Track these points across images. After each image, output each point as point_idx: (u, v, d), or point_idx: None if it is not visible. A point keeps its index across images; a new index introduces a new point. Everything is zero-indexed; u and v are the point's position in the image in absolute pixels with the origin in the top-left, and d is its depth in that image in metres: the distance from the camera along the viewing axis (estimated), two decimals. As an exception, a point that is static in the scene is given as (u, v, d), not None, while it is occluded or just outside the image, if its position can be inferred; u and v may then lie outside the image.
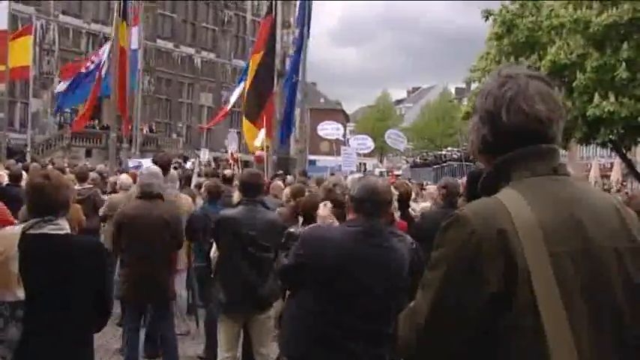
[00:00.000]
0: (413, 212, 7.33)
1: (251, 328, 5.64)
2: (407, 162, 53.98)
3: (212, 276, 5.87)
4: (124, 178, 8.54)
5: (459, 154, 37.96)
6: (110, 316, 3.54)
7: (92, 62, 20.61)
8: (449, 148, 46.92)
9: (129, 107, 16.57)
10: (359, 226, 3.45)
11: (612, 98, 15.30)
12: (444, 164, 36.97)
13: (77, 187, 8.77)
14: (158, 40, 43.73)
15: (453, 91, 78.08)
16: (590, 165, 28.48)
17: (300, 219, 5.16)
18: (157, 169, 6.44)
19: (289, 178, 13.35)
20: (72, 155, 31.48)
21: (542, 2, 17.25)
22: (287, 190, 7.32)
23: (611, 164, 28.15)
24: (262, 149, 17.03)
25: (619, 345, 1.58)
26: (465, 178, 8.61)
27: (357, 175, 7.33)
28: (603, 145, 18.10)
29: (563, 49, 15.91)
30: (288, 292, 4.26)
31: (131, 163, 14.29)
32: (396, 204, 5.34)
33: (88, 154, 35.06)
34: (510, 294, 1.50)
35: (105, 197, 8.95)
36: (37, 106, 35.45)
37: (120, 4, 15.77)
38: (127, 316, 5.98)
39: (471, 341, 1.56)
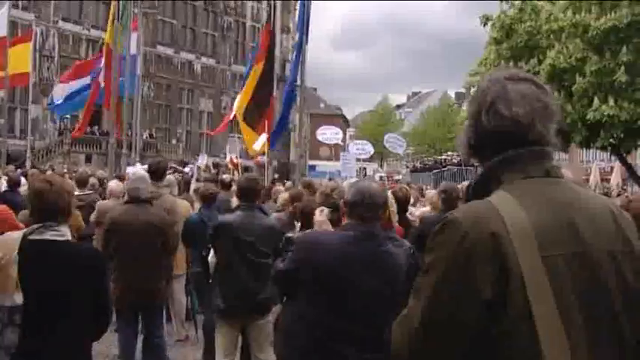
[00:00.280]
0: (411, 217, 7.32)
1: (249, 333, 5.62)
2: (407, 167, 53.99)
3: (210, 282, 5.84)
4: (114, 184, 8.42)
5: (458, 158, 37.95)
6: (109, 325, 3.53)
7: (92, 69, 20.60)
8: (449, 153, 46.90)
9: (120, 112, 16.51)
10: (353, 231, 3.41)
11: (612, 102, 15.29)
12: (444, 169, 36.95)
13: (77, 192, 8.75)
14: (158, 46, 43.78)
15: (452, 95, 78.18)
16: (590, 169, 28.46)
17: (298, 224, 5.15)
18: (144, 173, 6.41)
19: (288, 183, 13.35)
20: (72, 161, 31.50)
21: (542, 6, 17.26)
22: (284, 195, 7.31)
23: (611, 168, 28.12)
24: (263, 153, 17.04)
25: (616, 350, 1.55)
26: (464, 183, 8.61)
27: (352, 180, 7.32)
28: (603, 148, 18.08)
29: (562, 53, 15.91)
30: (285, 298, 4.24)
31: (130, 169, 14.25)
32: (394, 209, 5.31)
33: (88, 159, 35.08)
34: (504, 299, 1.47)
35: (105, 203, 8.91)
36: (36, 113, 35.51)
37: (116, 5, 15.76)
38: (121, 322, 5.92)
39: (464, 348, 1.53)
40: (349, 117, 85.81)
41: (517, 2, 17.99)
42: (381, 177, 38.42)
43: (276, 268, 3.74)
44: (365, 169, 37.19)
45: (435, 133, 67.10)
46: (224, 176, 11.74)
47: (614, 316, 1.56)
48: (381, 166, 66.41)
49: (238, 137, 26.66)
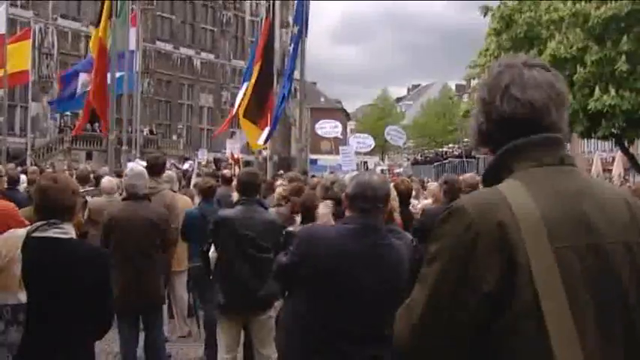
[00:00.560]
0: (413, 210, 7.29)
1: (251, 328, 5.59)
2: (408, 159, 53.99)
3: (211, 277, 5.81)
4: (106, 181, 8.35)
5: (459, 150, 37.97)
6: (112, 324, 3.50)
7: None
8: (450, 145, 46.96)
9: (105, 106, 16.42)
10: (354, 224, 3.35)
11: (613, 91, 15.26)
12: (445, 161, 37.00)
13: (79, 189, 8.71)
14: (157, 42, 43.71)
15: (453, 88, 78.07)
16: (592, 159, 28.39)
17: (298, 219, 5.12)
18: (142, 169, 6.35)
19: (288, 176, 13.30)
20: (72, 158, 31.49)
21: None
22: (280, 190, 7.29)
23: (613, 158, 28.06)
24: (265, 148, 17.04)
25: (630, 346, 1.49)
26: (466, 175, 8.58)
27: (354, 173, 7.29)
28: (604, 138, 18.06)
29: (562, 43, 15.88)
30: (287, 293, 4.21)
31: (129, 165, 14.18)
32: (397, 202, 5.28)
33: (89, 157, 35.06)
34: (509, 293, 1.42)
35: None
36: (36, 110, 35.45)
37: (111, 2, 15.69)
38: (121, 322, 5.82)
39: (467, 341, 1.48)
40: (349, 111, 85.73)
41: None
42: (382, 170, 38.41)
43: (278, 263, 3.70)
44: (366, 162, 37.18)
45: (436, 126, 67.08)
46: (224, 171, 11.71)
47: (628, 312, 1.50)
48: (382, 159, 66.40)
49: (239, 132, 26.65)
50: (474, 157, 33.44)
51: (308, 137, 44.43)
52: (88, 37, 38.87)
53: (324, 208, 4.15)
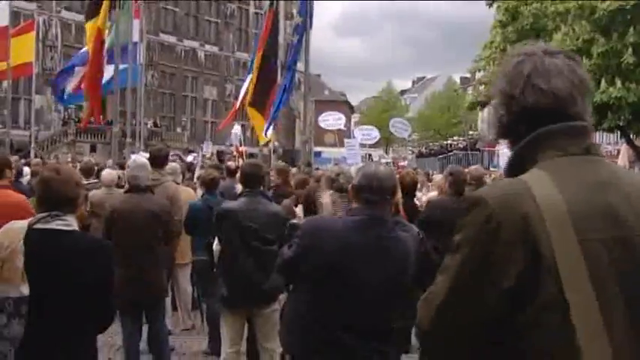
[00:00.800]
0: (418, 202, 7.24)
1: (255, 322, 5.54)
2: (412, 152, 53.88)
3: (215, 270, 5.76)
4: (105, 173, 8.31)
5: (464, 143, 37.87)
6: (114, 317, 3.47)
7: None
8: (454, 138, 46.83)
9: (97, 97, 16.40)
10: (360, 216, 3.28)
11: (619, 84, 15.18)
12: (450, 154, 36.87)
13: (83, 182, 8.69)
14: (161, 35, 43.67)
15: (457, 80, 77.82)
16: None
17: (299, 211, 5.07)
18: (144, 160, 6.29)
19: (293, 170, 13.30)
20: (76, 151, 31.52)
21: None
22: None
23: (618, 151, 27.96)
24: (270, 140, 17.04)
25: None
26: (471, 167, 8.54)
27: (360, 164, 7.24)
28: (610, 130, 17.97)
29: (568, 36, 15.79)
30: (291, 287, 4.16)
31: (132, 157, 14.18)
32: (400, 195, 5.23)
33: (93, 149, 35.09)
34: (533, 285, 1.38)
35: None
36: (40, 103, 35.49)
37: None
38: (124, 315, 5.77)
39: (488, 333, 1.45)
40: (354, 103, 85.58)
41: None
42: (387, 163, 38.34)
43: (282, 256, 3.64)
44: (370, 155, 37.13)
45: (440, 119, 66.93)
46: (229, 163, 11.67)
47: None
48: (387, 152, 66.29)
49: (243, 125, 26.63)
50: (479, 150, 33.36)
51: (312, 130, 44.35)
52: (91, 29, 39.02)
53: (326, 197, 4.08)
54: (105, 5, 16.49)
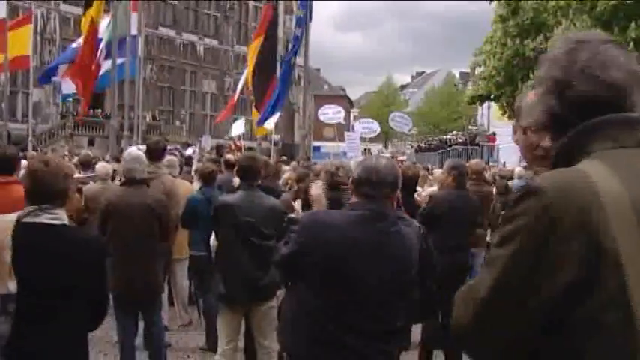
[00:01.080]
0: (418, 197, 7.16)
1: (252, 318, 5.46)
2: (411, 147, 53.86)
3: (212, 265, 5.68)
4: (100, 166, 8.20)
5: (463, 138, 37.82)
6: (106, 313, 3.37)
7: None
8: (454, 133, 46.75)
9: (89, 87, 16.30)
10: (361, 210, 3.17)
11: (620, 79, 15.12)
12: (449, 148, 36.79)
13: (81, 174, 8.63)
14: (160, 28, 43.54)
15: (457, 75, 77.78)
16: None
17: (297, 205, 4.99)
18: (139, 153, 6.20)
19: (292, 164, 13.24)
20: (74, 144, 31.44)
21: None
22: (285, 175, 7.18)
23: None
24: (268, 134, 16.99)
25: None
26: (472, 161, 8.46)
27: (360, 158, 7.16)
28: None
29: (569, 30, 15.70)
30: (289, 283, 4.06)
31: (128, 149, 14.09)
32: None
33: (91, 143, 35.00)
34: (592, 282, 1.29)
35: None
36: (38, 96, 35.38)
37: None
38: (119, 312, 5.69)
39: (536, 331, 1.36)
40: (353, 98, 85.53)
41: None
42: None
43: (279, 252, 3.53)
44: (369, 149, 37.08)
45: (440, 113, 66.93)
46: (227, 156, 11.59)
47: None
48: (386, 146, 66.26)
49: (241, 119, 26.53)
50: (478, 145, 33.31)
51: (311, 124, 44.30)
52: (90, 22, 38.87)
53: (316, 189, 3.98)
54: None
